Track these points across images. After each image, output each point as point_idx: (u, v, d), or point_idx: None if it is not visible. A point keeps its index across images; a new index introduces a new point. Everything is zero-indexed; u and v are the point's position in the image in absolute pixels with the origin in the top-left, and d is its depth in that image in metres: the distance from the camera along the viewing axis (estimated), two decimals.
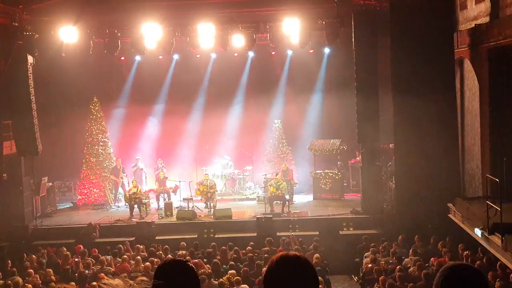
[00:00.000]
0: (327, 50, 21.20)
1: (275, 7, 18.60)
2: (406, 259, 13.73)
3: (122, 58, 21.41)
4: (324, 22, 17.88)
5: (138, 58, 21.23)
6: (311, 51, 21.16)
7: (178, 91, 22.38)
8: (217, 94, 22.34)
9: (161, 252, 14.93)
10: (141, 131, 22.33)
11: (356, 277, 15.23)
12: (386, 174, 18.55)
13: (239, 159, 22.20)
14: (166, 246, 15.50)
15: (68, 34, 17.68)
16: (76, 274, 13.60)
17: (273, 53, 21.54)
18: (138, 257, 14.37)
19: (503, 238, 10.67)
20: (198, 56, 21.40)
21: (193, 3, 18.97)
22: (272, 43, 18.77)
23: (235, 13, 18.24)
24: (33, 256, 14.98)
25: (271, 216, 17.66)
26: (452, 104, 16.64)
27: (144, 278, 2.74)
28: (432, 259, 13.32)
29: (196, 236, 16.98)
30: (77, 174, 21.29)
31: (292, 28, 17.93)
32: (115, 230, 17.53)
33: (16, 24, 17.31)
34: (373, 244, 15.04)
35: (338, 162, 20.76)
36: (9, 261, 14.47)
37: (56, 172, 20.80)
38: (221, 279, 12.10)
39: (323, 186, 20.46)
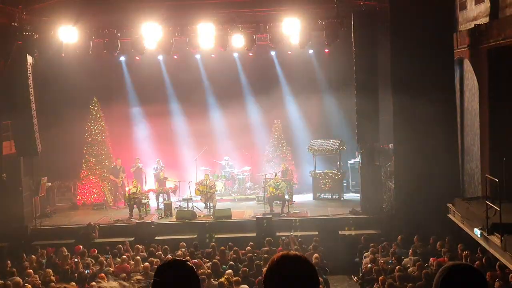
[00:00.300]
0: (326, 50, 21.20)
1: (275, 7, 18.60)
2: (405, 259, 13.73)
3: (122, 58, 21.42)
4: (324, 22, 17.88)
5: (138, 58, 21.22)
6: (311, 51, 21.18)
7: (178, 91, 22.38)
8: (217, 94, 22.33)
9: (160, 252, 14.93)
10: (141, 131, 22.33)
11: (355, 277, 15.24)
12: (386, 174, 18.57)
13: (239, 159, 22.21)
14: (166, 246, 15.50)
15: (67, 34, 17.67)
16: (76, 275, 13.59)
17: (273, 53, 21.56)
18: (138, 257, 14.36)
19: (503, 238, 10.68)
20: (198, 56, 21.42)
21: (193, 3, 18.97)
22: (272, 43, 18.77)
23: (235, 13, 18.24)
24: (33, 256, 14.97)
25: (270, 216, 17.67)
26: (451, 104, 16.65)
27: (140, 277, 2.75)
28: (431, 259, 13.32)
29: (195, 236, 16.98)
30: (77, 174, 21.29)
31: (292, 28, 17.93)
32: (114, 230, 17.52)
33: (16, 24, 17.29)
34: (372, 244, 15.05)
35: (338, 162, 20.77)
36: (9, 261, 14.44)
37: (56, 172, 20.78)
38: (220, 279, 12.11)
39: (322, 186, 20.48)
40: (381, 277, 12.24)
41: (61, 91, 20.55)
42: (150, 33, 17.97)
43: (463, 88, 17.26)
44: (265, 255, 14.20)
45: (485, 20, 14.95)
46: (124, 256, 14.48)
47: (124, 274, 12.89)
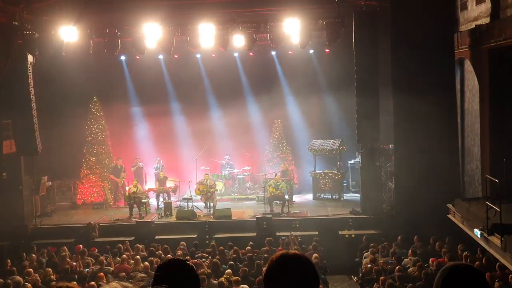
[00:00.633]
0: (327, 50, 21.19)
1: (275, 7, 18.60)
2: (405, 259, 13.74)
3: (123, 57, 21.42)
4: (324, 22, 17.86)
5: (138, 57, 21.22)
6: (312, 51, 21.17)
7: (178, 90, 22.38)
8: (218, 94, 22.33)
9: (160, 251, 14.94)
10: (141, 130, 22.33)
11: (355, 277, 15.25)
12: (386, 174, 18.56)
13: (239, 159, 22.21)
14: (166, 245, 15.50)
15: (68, 33, 17.66)
16: (76, 274, 13.59)
17: (273, 53, 21.55)
18: (138, 256, 14.36)
19: (503, 239, 10.67)
20: (198, 55, 21.42)
21: (193, 3, 18.97)
22: (272, 43, 18.75)
23: (235, 13, 18.21)
24: (33, 255, 14.98)
25: (270, 216, 17.68)
26: (452, 105, 16.64)
27: (144, 275, 2.75)
28: (431, 259, 13.33)
29: (196, 235, 16.98)
30: (77, 174, 21.29)
31: (292, 28, 17.91)
32: (114, 229, 17.52)
33: (16, 23, 17.28)
34: (372, 244, 15.06)
35: (338, 162, 20.77)
36: (9, 260, 14.47)
37: (56, 171, 20.78)
38: (220, 279, 12.12)
39: (322, 186, 20.48)
40: (381, 277, 12.25)
41: (62, 90, 20.55)
42: (150, 33, 17.96)
43: (464, 89, 17.25)
44: (265, 255, 14.22)
45: (486, 20, 14.94)
46: (124, 256, 14.48)
47: (124, 273, 12.89)
